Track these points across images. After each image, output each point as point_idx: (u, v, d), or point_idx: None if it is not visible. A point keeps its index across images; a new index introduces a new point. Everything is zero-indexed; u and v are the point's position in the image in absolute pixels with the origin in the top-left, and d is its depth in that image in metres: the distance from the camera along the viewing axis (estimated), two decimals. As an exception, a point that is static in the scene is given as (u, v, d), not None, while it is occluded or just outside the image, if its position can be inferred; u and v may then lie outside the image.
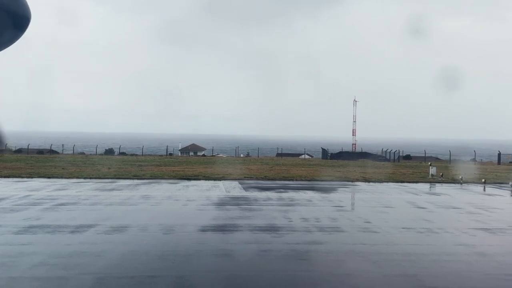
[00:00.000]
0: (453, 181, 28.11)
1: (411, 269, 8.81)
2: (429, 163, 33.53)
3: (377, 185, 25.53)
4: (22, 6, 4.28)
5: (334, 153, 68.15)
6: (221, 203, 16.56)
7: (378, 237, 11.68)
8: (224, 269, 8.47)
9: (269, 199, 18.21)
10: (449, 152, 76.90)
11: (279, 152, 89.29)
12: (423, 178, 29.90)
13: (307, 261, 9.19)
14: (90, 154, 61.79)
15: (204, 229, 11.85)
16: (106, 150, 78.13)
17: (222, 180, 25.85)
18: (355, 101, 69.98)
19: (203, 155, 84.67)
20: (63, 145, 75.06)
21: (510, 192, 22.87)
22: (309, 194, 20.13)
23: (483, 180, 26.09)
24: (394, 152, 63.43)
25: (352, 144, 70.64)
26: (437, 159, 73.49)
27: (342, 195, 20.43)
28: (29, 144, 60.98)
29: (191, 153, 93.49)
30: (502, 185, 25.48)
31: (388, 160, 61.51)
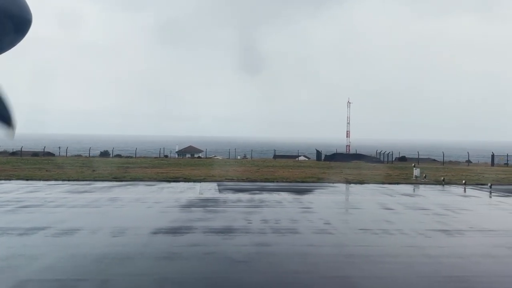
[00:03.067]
0: (435, 182, 27.99)
1: (346, 271, 8.75)
2: (413, 165, 33.39)
3: (357, 186, 25.46)
4: (24, 9, 4.31)
5: (328, 155, 68.11)
6: (188, 205, 16.51)
7: (330, 239, 11.61)
8: (157, 272, 8.42)
9: (239, 200, 18.17)
10: (450, 154, 76.98)
11: (276, 154, 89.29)
12: (407, 179, 29.79)
13: (244, 263, 9.13)
14: (85, 156, 61.81)
15: (156, 232, 11.80)
16: (101, 152, 78.13)
17: (202, 182, 25.82)
18: (349, 102, 69.87)
19: (198, 157, 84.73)
20: (59, 147, 75.05)
21: (488, 193, 22.75)
22: (283, 195, 20.07)
23: (463, 182, 25.97)
24: (388, 154, 63.29)
25: (346, 145, 70.53)
26: (434, 160, 73.44)
27: (316, 196, 20.37)
28: (22, 147, 61.00)
29: (188, 155, 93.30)
30: (482, 186, 25.33)
31: (382, 162, 61.37)
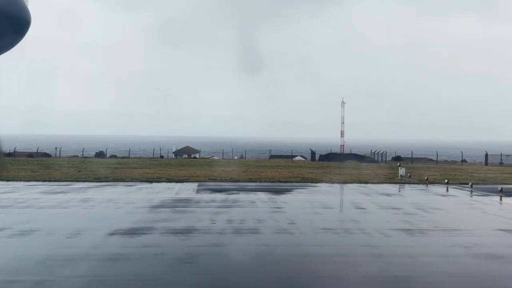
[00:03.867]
0: (419, 182, 27.87)
1: (290, 270, 8.68)
2: (398, 164, 33.27)
3: (338, 186, 25.35)
4: (23, 10, 4.37)
5: (323, 155, 68.03)
6: (158, 206, 16.45)
7: (287, 238, 11.54)
8: (94, 274, 8.35)
9: (213, 201, 18.10)
10: (450, 154, 76.65)
11: (273, 154, 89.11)
12: (392, 179, 29.69)
13: (190, 264, 9.07)
14: (80, 157, 61.78)
15: (113, 233, 11.73)
16: (96, 153, 78.16)
17: (185, 182, 25.76)
18: (343, 102, 69.81)
19: (194, 157, 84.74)
20: (55, 148, 74.99)
21: (467, 192, 22.64)
22: (259, 195, 20.00)
23: (446, 181, 25.85)
24: (382, 153, 63.16)
25: (341, 145, 70.39)
26: (430, 160, 73.26)
27: (292, 196, 20.28)
28: (15, 147, 61.10)
29: (185, 155, 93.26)
30: (465, 186, 25.19)
31: (376, 161, 61.24)
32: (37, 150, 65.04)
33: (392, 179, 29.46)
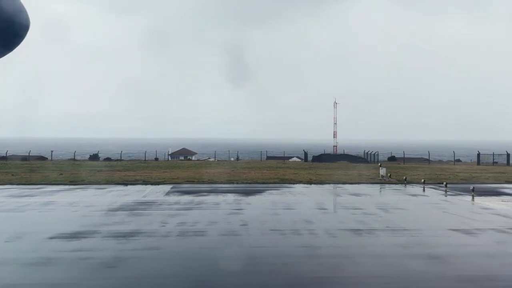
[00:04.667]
0: (398, 181, 27.66)
1: (208, 274, 8.52)
2: (379, 164, 33.02)
3: (313, 187, 25.17)
4: (22, 15, 4.40)
5: (316, 156, 67.83)
6: (117, 209, 16.33)
7: (230, 240, 11.41)
8: (9, 278, 8.22)
9: (177, 203, 17.97)
10: (449, 154, 76.13)
11: (269, 155, 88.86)
12: (373, 179, 29.48)
13: (111, 269, 8.92)
14: (72, 160, 61.69)
15: (54, 237, 11.62)
16: (90, 155, 78.04)
17: (161, 184, 25.63)
18: (335, 103, 69.47)
19: (188, 159, 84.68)
20: (51, 151, 74.94)
21: (440, 192, 22.43)
22: (228, 197, 19.85)
23: (422, 181, 25.62)
24: (374, 154, 62.89)
25: (333, 146, 70.10)
26: (426, 160, 72.87)
27: (260, 197, 20.10)
28: (7, 151, 61.14)
29: (181, 157, 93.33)
30: (440, 185, 24.96)
31: (367, 162, 61.00)
32: (29, 153, 64.92)
33: (373, 179, 29.24)
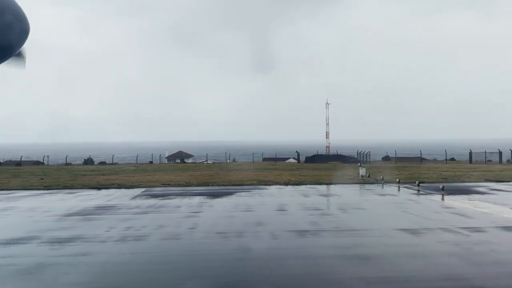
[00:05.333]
0: (376, 181, 27.38)
1: (125, 278, 8.28)
2: (359, 164, 32.73)
3: (289, 188, 24.90)
4: (22, 21, 4.48)
5: (309, 156, 67.60)
6: (73, 214, 16.14)
7: (168, 245, 11.18)
8: None
9: (138, 207, 17.76)
10: (450, 152, 75.62)
11: (266, 157, 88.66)
12: (353, 179, 29.23)
13: (29, 275, 8.69)
14: (64, 164, 61.62)
15: (-12, 243, 11.39)
16: (84, 160, 78.02)
17: (134, 188, 25.46)
18: (327, 103, 69.17)
19: (183, 162, 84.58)
20: (48, 156, 74.75)
21: (410, 191, 22.16)
22: (194, 200, 19.68)
23: (397, 180, 25.32)
24: (366, 154, 62.57)
25: (326, 146, 69.81)
26: (423, 159, 72.47)
27: (226, 200, 19.87)
28: (3, 158, 61.27)
29: (178, 160, 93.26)
30: (414, 185, 24.63)
31: (359, 162, 60.64)
32: (21, 158, 64.97)
33: (353, 180, 29.01)
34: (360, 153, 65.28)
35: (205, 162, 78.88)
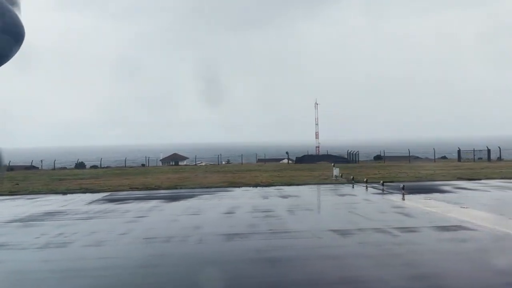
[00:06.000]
0: (348, 181, 26.99)
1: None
2: (333, 164, 32.31)
3: (255, 190, 24.56)
4: (18, 25, 4.37)
5: (299, 157, 67.25)
6: (17, 220, 15.90)
7: (86, 252, 10.88)
8: None
9: (86, 212, 17.46)
10: (447, 151, 75.08)
11: (262, 158, 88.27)
12: (326, 179, 28.88)
13: None
14: (58, 169, 61.31)
15: None
16: (76, 164, 77.21)
17: (101, 192, 25.16)
18: (316, 104, 68.77)
19: (177, 164, 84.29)
20: (41, 160, 74.42)
21: (380, 191, 21.80)
22: (150, 204, 19.36)
23: (365, 180, 24.92)
24: (355, 154, 62.23)
25: (316, 147, 69.38)
26: (417, 157, 72.17)
27: (182, 203, 19.56)
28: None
29: (172, 163, 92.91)
30: (378, 184, 24.27)
31: (348, 162, 60.32)
32: (9, 163, 64.66)
33: (326, 180, 28.66)
34: (349, 152, 64.89)
35: (198, 164, 78.49)
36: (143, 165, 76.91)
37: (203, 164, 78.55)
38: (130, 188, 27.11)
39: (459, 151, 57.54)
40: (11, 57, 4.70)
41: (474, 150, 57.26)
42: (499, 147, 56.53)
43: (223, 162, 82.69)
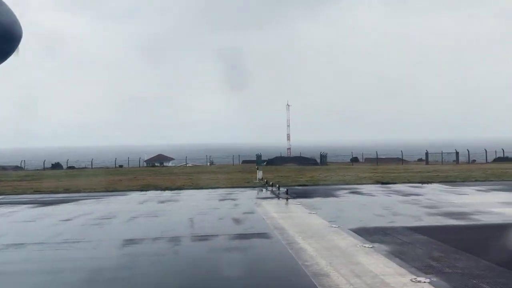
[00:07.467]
0: (263, 184, 26.83)
1: None
2: (256, 167, 32.21)
3: (153, 194, 24.36)
4: (15, 25, 4.61)
5: (270, 159, 67.15)
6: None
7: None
8: None
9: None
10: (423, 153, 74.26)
11: (246, 159, 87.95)
12: (248, 183, 28.67)
13: None
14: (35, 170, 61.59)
15: None
16: (52, 164, 77.02)
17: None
18: (287, 105, 68.57)
19: (162, 165, 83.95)
20: (24, 161, 74.81)
21: (274, 194, 21.76)
22: (18, 207, 19.46)
23: (277, 185, 24.72)
24: (325, 155, 62.10)
25: (287, 148, 69.22)
26: (399, 159, 71.55)
27: (52, 208, 19.35)
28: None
29: (157, 164, 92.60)
30: (291, 187, 24.15)
31: (317, 163, 60.21)
32: (-4, 165, 65.28)
33: (248, 183, 28.34)
34: (321, 154, 64.71)
35: (182, 165, 78.23)
36: (120, 166, 76.20)
37: (189, 165, 78.44)
38: (35, 191, 26.78)
39: (426, 154, 57.05)
40: (9, 56, 4.74)
41: (442, 153, 56.74)
42: (468, 149, 55.91)
43: (208, 164, 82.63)
